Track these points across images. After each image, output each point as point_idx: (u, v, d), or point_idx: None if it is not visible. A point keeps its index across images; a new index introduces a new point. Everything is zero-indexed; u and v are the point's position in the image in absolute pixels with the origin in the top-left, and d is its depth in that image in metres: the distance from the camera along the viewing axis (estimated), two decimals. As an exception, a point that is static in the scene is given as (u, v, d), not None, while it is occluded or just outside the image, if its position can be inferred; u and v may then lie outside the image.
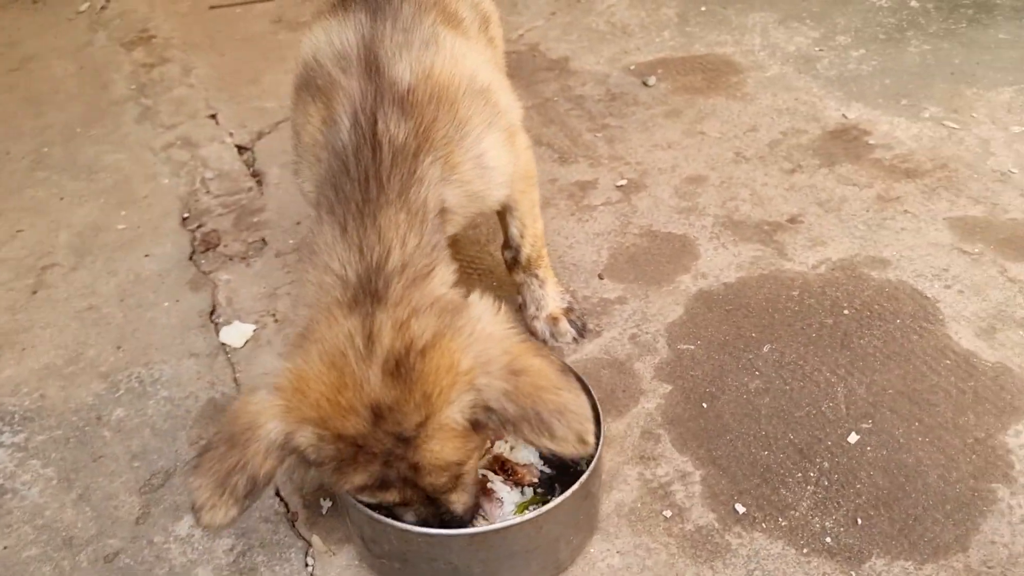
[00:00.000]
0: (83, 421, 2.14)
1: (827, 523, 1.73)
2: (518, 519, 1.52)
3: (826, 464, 1.84)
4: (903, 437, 1.87)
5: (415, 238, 1.47)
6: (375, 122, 1.53)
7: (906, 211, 2.46)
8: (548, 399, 1.35)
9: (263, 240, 2.74)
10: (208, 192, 2.98)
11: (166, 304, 2.52)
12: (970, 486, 1.76)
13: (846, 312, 2.18)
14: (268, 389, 1.38)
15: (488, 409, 1.38)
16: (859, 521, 1.73)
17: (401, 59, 1.60)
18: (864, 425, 1.90)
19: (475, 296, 1.47)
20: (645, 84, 3.20)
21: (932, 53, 3.12)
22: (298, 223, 2.78)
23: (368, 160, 1.50)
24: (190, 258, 2.70)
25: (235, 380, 2.24)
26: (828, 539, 1.70)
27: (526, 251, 2.16)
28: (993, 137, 2.69)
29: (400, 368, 1.34)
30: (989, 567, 1.62)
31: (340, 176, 1.52)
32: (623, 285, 2.36)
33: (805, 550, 1.69)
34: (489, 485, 1.76)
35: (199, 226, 2.83)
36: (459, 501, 1.53)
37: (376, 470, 1.38)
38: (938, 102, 2.88)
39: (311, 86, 1.66)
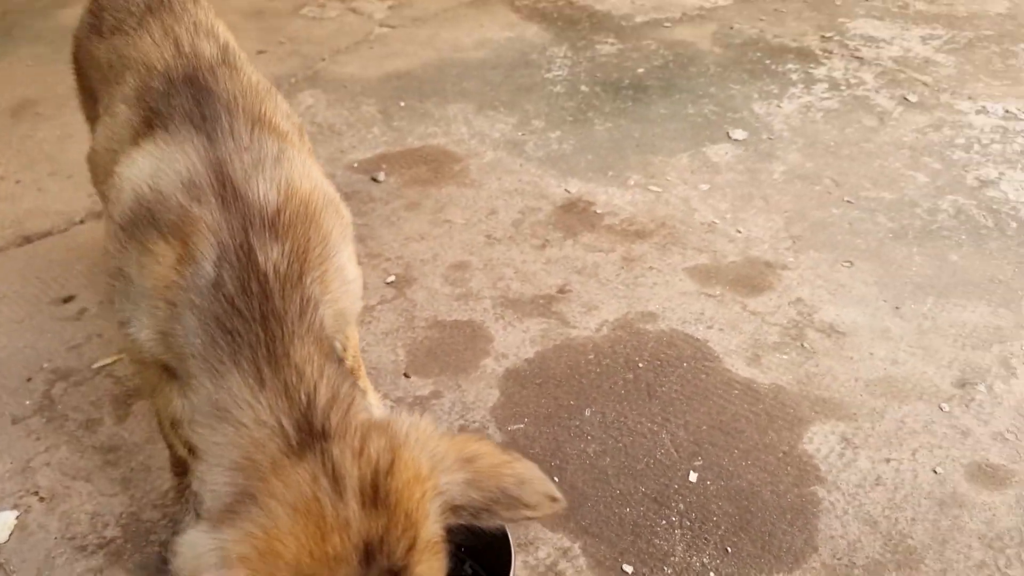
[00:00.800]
0: None
1: (704, 559, 1.88)
2: None
3: (681, 506, 1.99)
4: (730, 465, 2.09)
5: (329, 366, 1.36)
6: (251, 252, 1.39)
7: (651, 268, 2.78)
8: (507, 474, 1.33)
9: (-14, 408, 2.27)
10: None
11: None
12: (796, 494, 2.02)
13: (640, 365, 2.39)
14: (221, 565, 1.18)
15: (455, 508, 1.31)
16: (729, 550, 1.90)
17: (259, 180, 1.48)
18: (697, 463, 2.10)
19: (391, 413, 1.40)
20: (375, 180, 3.24)
21: (615, 129, 3.57)
22: (29, 379, 2.35)
23: (259, 295, 1.36)
24: None
25: (13, 583, 1.83)
26: (712, 574, 1.85)
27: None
28: (689, 196, 3.15)
29: (377, 493, 1.23)
30: (838, 559, 1.88)
31: (230, 319, 1.35)
32: (431, 379, 2.35)
33: (697, 590, 1.82)
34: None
35: None
36: None
37: None
38: (636, 171, 3.29)
39: (154, 222, 1.46)
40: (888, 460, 2.11)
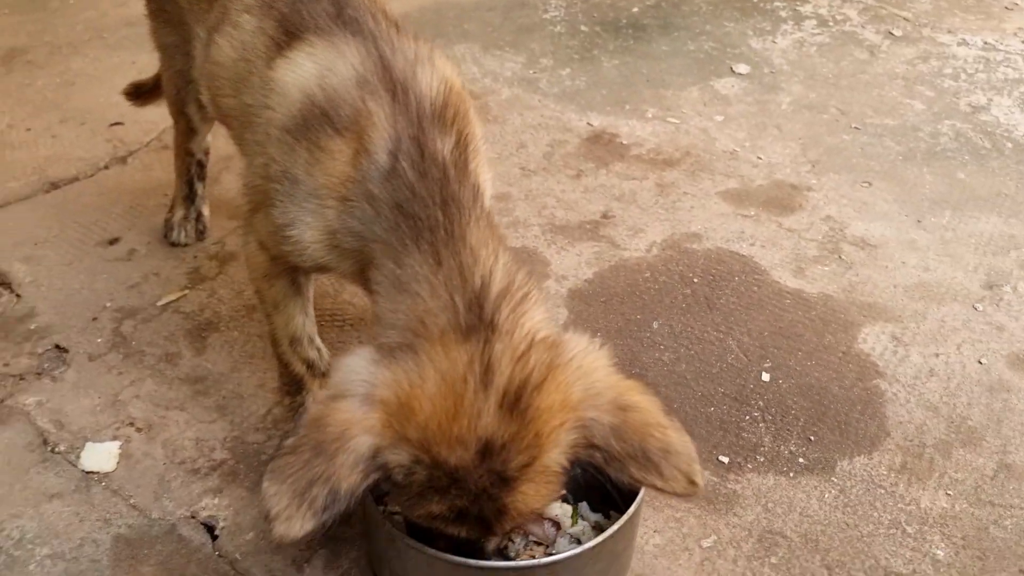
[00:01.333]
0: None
1: (792, 448, 2.02)
2: (612, 529, 1.51)
3: (760, 403, 2.13)
4: (797, 366, 2.24)
5: (504, 253, 1.43)
6: (426, 141, 1.46)
7: (685, 193, 2.89)
8: (655, 437, 1.36)
9: (57, 347, 2.25)
10: (-62, 309, 2.35)
11: (-29, 450, 1.96)
12: (861, 388, 2.18)
13: (695, 281, 2.51)
14: (365, 398, 1.29)
15: (591, 446, 1.36)
16: (811, 438, 2.04)
17: (420, 75, 1.53)
18: (766, 364, 2.24)
19: (571, 332, 1.46)
20: (398, 118, 3.25)
21: (623, 66, 3.65)
22: (94, 319, 2.34)
23: (439, 180, 1.43)
24: (-34, 389, 2.12)
25: (133, 506, 1.86)
26: (800, 460, 1.99)
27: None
28: (707, 126, 3.26)
29: (518, 403, 1.30)
30: (909, 441, 2.05)
31: (411, 204, 1.42)
32: (499, 302, 2.43)
33: (791, 474, 1.96)
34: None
35: (-47, 350, 2.23)
36: (493, 540, 1.53)
37: (460, 505, 1.33)
38: (652, 104, 3.39)
39: (329, 121, 1.50)
40: (937, 355, 2.29)
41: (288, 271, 1.78)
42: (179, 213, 2.61)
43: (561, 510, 1.74)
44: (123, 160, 3.01)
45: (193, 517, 1.84)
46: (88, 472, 1.93)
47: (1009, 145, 3.18)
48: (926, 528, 1.85)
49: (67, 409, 2.08)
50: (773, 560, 1.78)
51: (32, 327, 2.31)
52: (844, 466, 1.98)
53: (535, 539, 1.71)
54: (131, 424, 2.06)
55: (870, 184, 2.95)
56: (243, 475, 1.93)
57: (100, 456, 1.96)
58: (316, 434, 1.29)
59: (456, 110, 1.53)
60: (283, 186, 1.57)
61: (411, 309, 1.39)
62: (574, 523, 1.74)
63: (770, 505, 1.89)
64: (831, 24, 4.03)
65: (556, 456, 1.35)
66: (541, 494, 1.36)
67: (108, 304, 2.40)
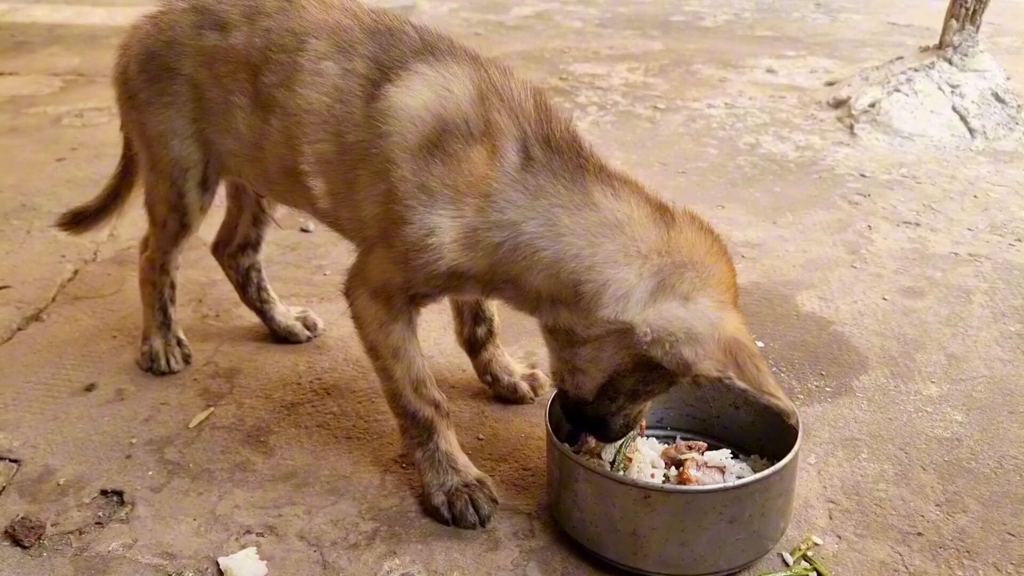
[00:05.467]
0: None
1: (814, 384, 2.44)
2: (778, 466, 1.79)
3: (769, 361, 2.54)
4: (775, 332, 2.70)
5: None
6: (545, 130, 1.73)
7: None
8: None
9: (104, 492, 2.04)
10: (-71, 495, 1.99)
11: None
12: (826, 333, 2.70)
13: (656, 294, 2.90)
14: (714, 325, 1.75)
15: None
16: (822, 374, 2.49)
17: (514, 85, 1.78)
18: (753, 336, 2.67)
19: None
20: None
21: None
22: (128, 456, 2.14)
23: (575, 143, 1.74)
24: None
25: (315, 594, 1.76)
26: (827, 389, 2.42)
27: (497, 320, 2.29)
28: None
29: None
30: (882, 356, 2.58)
31: (568, 161, 1.71)
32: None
33: (827, 401, 2.37)
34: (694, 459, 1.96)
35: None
36: None
37: None
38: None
39: (459, 135, 1.71)
40: (855, 302, 2.89)
41: (406, 307, 1.88)
42: (157, 342, 2.48)
43: (720, 454, 1.98)
44: (37, 318, 2.75)
45: (384, 582, 1.79)
46: (250, 583, 1.79)
47: (791, 165, 4.06)
48: (938, 405, 2.36)
49: (167, 540, 1.90)
50: (864, 455, 2.16)
51: (59, 482, 2.06)
52: (857, 384, 2.45)
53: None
54: (249, 532, 1.93)
55: (723, 207, 3.61)
56: (404, 534, 1.91)
57: (245, 565, 1.82)
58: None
59: (544, 103, 1.79)
60: (417, 200, 1.72)
61: (632, 237, 1.69)
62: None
63: (832, 422, 2.29)
64: (609, 107, 4.80)
65: None
66: None
67: (133, 440, 2.20)
